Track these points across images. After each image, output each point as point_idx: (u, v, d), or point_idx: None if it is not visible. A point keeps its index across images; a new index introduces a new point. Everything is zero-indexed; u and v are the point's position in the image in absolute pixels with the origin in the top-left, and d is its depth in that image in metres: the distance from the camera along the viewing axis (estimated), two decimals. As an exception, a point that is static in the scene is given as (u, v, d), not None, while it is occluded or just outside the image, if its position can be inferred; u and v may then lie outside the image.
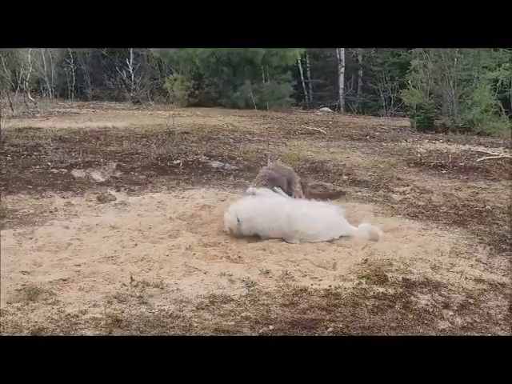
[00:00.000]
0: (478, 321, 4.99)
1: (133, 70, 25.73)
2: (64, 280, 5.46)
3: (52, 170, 10.09)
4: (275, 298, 5.22)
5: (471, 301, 5.38)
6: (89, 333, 4.44)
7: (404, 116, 21.70)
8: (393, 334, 4.58)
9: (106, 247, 6.48)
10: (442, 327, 4.80)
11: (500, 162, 12.85)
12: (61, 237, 6.80)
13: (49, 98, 24.08)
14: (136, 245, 6.70)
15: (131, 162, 10.83)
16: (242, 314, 4.87)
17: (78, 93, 25.87)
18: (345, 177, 10.58)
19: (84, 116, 17.80)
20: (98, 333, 4.44)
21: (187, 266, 5.93)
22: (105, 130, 14.45)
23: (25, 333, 4.41)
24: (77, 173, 9.97)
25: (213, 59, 22.66)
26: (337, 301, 5.17)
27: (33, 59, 24.79)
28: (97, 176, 9.71)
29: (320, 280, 5.67)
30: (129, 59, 26.71)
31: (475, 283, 5.78)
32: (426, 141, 15.90)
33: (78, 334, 4.42)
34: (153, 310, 4.91)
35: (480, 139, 16.58)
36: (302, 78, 31.19)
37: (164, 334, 4.46)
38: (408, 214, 8.15)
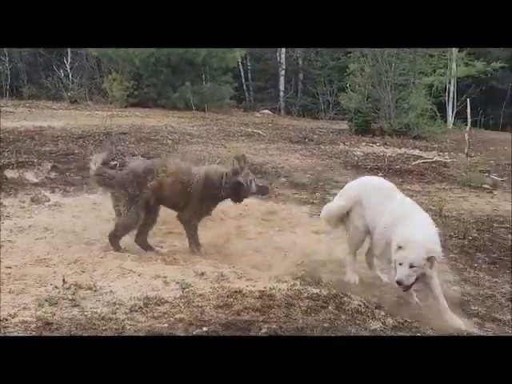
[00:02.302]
0: (409, 320, 5.09)
1: (71, 69, 25.32)
2: (-7, 283, 5.33)
3: (-16, 171, 9.84)
4: (209, 299, 5.21)
5: (402, 301, 5.49)
6: (18, 336, 4.35)
7: (342, 119, 21.99)
8: (325, 334, 4.62)
9: (38, 249, 6.36)
10: (374, 327, 4.87)
11: (434, 165, 13.19)
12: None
13: (-18, 97, 23.47)
14: (70, 247, 6.60)
15: (67, 163, 10.63)
16: (176, 316, 4.84)
17: (13, 91, 25.24)
18: (283, 179, 10.66)
19: (19, 115, 17.38)
20: (27, 336, 4.35)
21: (121, 268, 5.86)
22: (40, 129, 14.14)
23: (-49, 337, 4.29)
24: (10, 173, 9.73)
25: (152, 59, 22.50)
26: (271, 302, 5.18)
27: (-34, 56, 24.17)
28: (31, 176, 9.51)
29: (255, 281, 5.68)
30: (66, 58, 26.24)
31: (407, 284, 5.90)
32: (364, 144, 16.17)
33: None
34: (85, 313, 4.83)
35: (415, 143, 16.98)
36: (243, 80, 31.25)
37: (96, 337, 4.41)
38: (344, 216, 8.23)
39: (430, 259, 5.18)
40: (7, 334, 4.35)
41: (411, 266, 5.14)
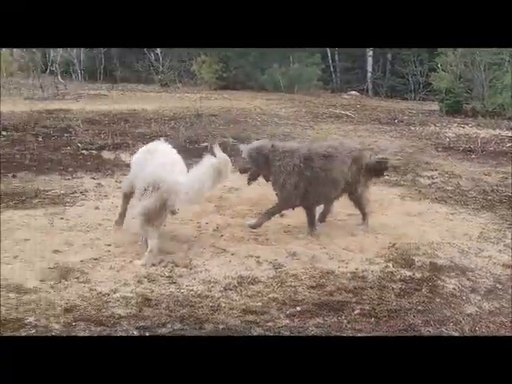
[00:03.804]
0: (506, 306, 4.98)
1: (161, 53, 25.77)
2: (95, 259, 5.57)
3: (82, 152, 10.23)
4: (302, 279, 5.28)
5: (499, 286, 5.38)
6: (119, 311, 4.54)
7: (433, 100, 21.48)
8: (420, 317, 4.60)
9: (135, 228, 6.54)
10: (470, 312, 4.80)
11: (530, 147, 12.73)
12: (91, 217, 6.91)
13: (78, 80, 24.25)
14: (165, 226, 6.78)
15: (160, 145, 10.90)
16: (270, 296, 4.93)
17: (106, 75, 25.93)
18: (372, 161, 10.54)
19: (113, 98, 17.93)
20: (128, 311, 4.54)
21: (215, 247, 6.00)
22: (133, 112, 14.56)
23: (58, 310, 4.52)
24: (106, 154, 10.10)
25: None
26: (363, 283, 5.21)
27: (62, 41, 24.86)
28: (126, 157, 9.79)
29: (347, 263, 5.70)
30: (157, 41, 26.63)
31: (503, 268, 5.77)
32: (455, 125, 15.77)
33: (109, 312, 4.52)
34: (182, 290, 4.99)
35: (510, 124, 16.39)
36: (330, 61, 30.97)
37: (193, 314, 4.54)
38: (436, 199, 8.13)
39: None
40: (109, 309, 4.55)
41: None
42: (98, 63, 25.49)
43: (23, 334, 4.17)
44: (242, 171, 6.71)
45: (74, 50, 25.78)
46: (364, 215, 6.88)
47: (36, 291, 4.85)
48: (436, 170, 10.08)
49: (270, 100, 18.88)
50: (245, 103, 17.61)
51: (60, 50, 23.50)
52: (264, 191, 7.11)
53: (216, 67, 22.97)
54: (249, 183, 6.78)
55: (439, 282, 5.34)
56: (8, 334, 4.17)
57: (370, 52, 30.66)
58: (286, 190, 6.53)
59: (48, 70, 21.35)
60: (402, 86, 27.87)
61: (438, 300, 4.96)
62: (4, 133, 11.14)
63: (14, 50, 25.67)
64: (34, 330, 4.19)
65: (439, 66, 19.59)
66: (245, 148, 6.71)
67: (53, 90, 18.10)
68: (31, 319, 4.35)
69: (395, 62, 30.71)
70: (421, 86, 24.91)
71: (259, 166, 6.56)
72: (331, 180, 6.53)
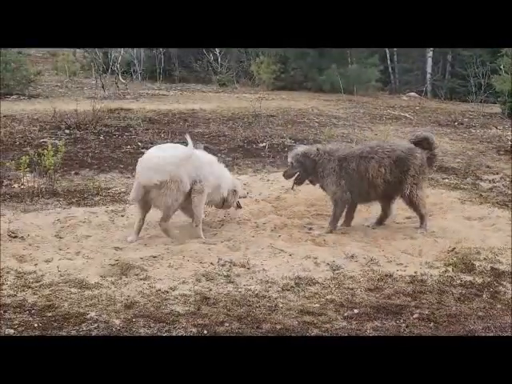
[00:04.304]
0: None
1: (219, 53, 25.94)
2: (154, 257, 5.66)
3: (142, 150, 10.36)
4: (360, 282, 5.25)
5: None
6: (178, 309, 4.60)
7: (494, 102, 21.01)
8: (480, 323, 4.53)
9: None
10: (532, 319, 4.70)
11: None
12: (150, 215, 7.00)
13: (138, 80, 24.61)
14: (222, 225, 6.85)
15: (218, 144, 11.02)
16: (327, 297, 4.93)
17: (165, 75, 26.21)
18: (432, 163, 10.39)
19: (172, 98, 18.13)
20: (187, 309, 4.60)
21: (273, 247, 6.02)
22: (192, 111, 14.71)
23: (118, 306, 4.61)
24: (165, 154, 10.20)
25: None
26: (422, 287, 5.15)
27: (123, 42, 25.21)
28: (185, 157, 9.89)
29: (405, 266, 5.65)
30: (216, 42, 26.75)
31: None
32: (518, 128, 15.41)
33: (168, 309, 4.58)
34: (239, 289, 5.03)
35: None
36: (389, 62, 30.61)
37: (250, 313, 4.56)
38: (497, 203, 7.96)
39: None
40: (168, 307, 4.61)
41: None
42: (158, 64, 25.76)
43: (84, 329, 4.27)
44: (288, 176, 6.87)
45: (135, 50, 26.14)
46: (421, 217, 6.80)
47: (97, 287, 4.97)
48: (497, 173, 9.89)
49: (327, 101, 18.79)
50: (302, 104, 17.57)
51: (121, 51, 23.91)
52: (321, 192, 7.10)
53: (274, 68, 22.94)
54: (293, 188, 7.08)
55: (500, 287, 5.24)
56: (70, 328, 4.28)
57: (429, 53, 30.16)
58: (330, 190, 6.76)
59: (109, 70, 21.70)
60: (462, 88, 27.31)
61: (499, 306, 4.87)
62: (67, 131, 11.40)
63: (77, 50, 26.29)
64: (95, 325, 4.29)
65: (502, 67, 19.11)
66: (290, 153, 6.94)
67: (114, 90, 18.38)
68: (93, 314, 4.46)
69: (455, 63, 30.14)
70: (482, 87, 24.37)
71: (307, 170, 6.75)
72: (367, 180, 6.60)
